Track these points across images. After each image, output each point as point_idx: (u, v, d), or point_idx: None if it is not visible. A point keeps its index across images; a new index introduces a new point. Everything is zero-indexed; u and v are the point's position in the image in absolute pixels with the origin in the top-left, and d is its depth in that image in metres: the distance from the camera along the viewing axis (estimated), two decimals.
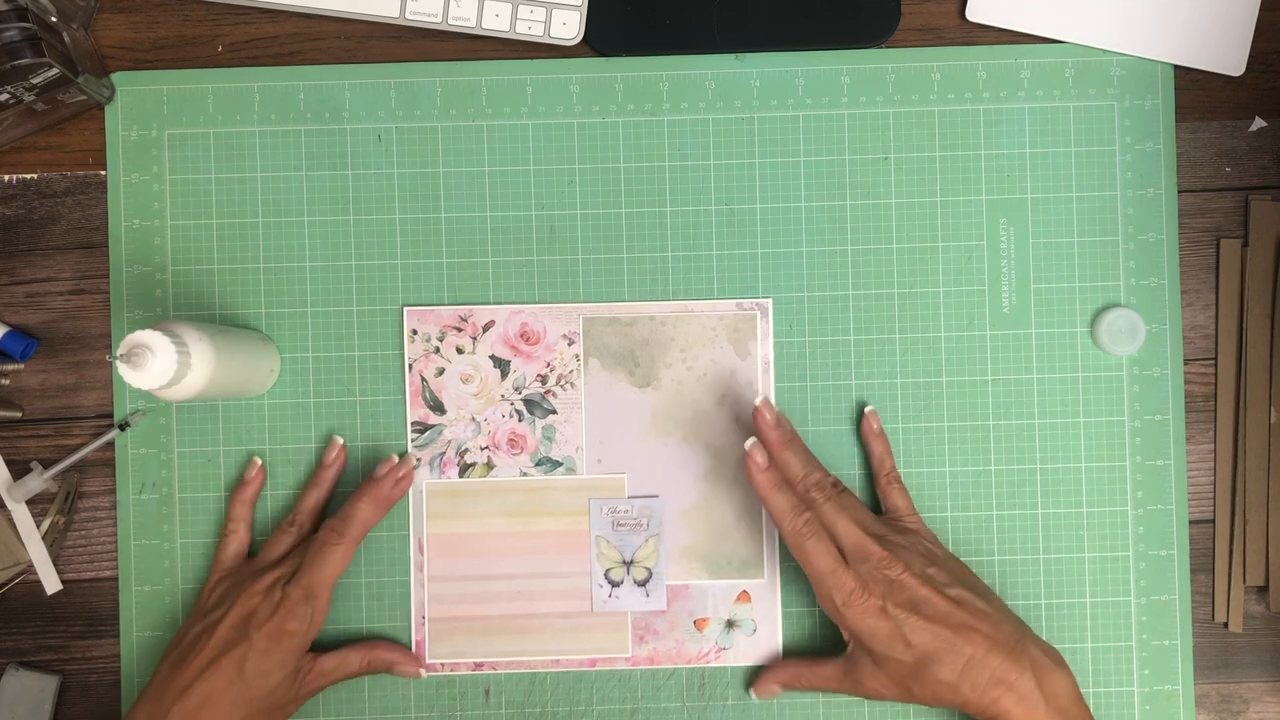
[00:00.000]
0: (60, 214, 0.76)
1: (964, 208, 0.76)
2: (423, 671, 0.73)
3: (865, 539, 0.67)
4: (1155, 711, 0.74)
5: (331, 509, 0.74)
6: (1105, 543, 0.75)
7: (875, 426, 0.74)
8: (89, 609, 0.75)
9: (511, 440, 0.75)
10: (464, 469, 0.75)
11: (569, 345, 0.75)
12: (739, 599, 0.74)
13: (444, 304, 0.75)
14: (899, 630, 0.65)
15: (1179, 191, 0.76)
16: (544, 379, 0.75)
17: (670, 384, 0.75)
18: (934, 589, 0.66)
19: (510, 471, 0.75)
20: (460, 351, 0.75)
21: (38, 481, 0.73)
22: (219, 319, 0.75)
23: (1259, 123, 0.76)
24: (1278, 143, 0.76)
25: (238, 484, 0.74)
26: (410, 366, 0.75)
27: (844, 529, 0.67)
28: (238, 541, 0.73)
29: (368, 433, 0.75)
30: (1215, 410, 0.76)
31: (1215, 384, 0.76)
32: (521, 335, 0.75)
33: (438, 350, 0.75)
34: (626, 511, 0.74)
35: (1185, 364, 0.76)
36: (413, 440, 0.75)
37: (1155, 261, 0.75)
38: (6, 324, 0.75)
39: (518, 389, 0.75)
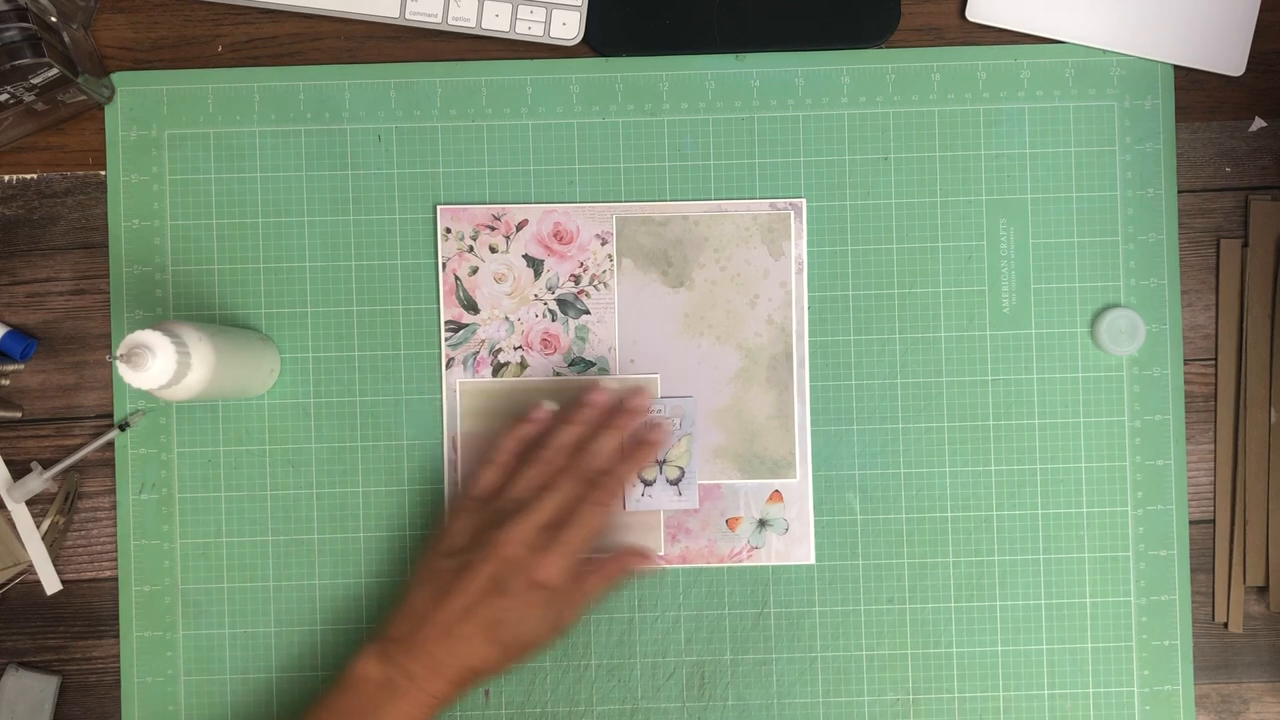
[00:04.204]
0: (60, 214, 0.76)
1: (964, 208, 0.76)
2: (659, 561, 0.75)
3: None
4: (1155, 711, 0.74)
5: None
6: (1105, 543, 0.75)
7: None
8: (89, 609, 0.75)
9: (544, 340, 0.75)
10: (497, 368, 0.75)
11: (602, 245, 0.75)
12: (771, 499, 0.75)
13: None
14: None
15: (1179, 192, 0.76)
16: (577, 279, 0.75)
17: (703, 284, 0.75)
18: None
19: (543, 371, 0.75)
20: (493, 250, 0.75)
21: (38, 481, 0.73)
22: (219, 319, 0.75)
23: (1259, 123, 0.76)
24: (1278, 143, 0.76)
25: (520, 420, 0.72)
26: (444, 265, 0.75)
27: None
28: (498, 472, 0.72)
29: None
30: (1215, 410, 0.76)
31: (1215, 384, 0.76)
32: (555, 235, 0.75)
33: (471, 249, 0.75)
34: (659, 411, 0.75)
35: (1185, 364, 0.76)
36: (446, 339, 0.75)
37: (1155, 261, 0.75)
38: (6, 324, 0.75)
39: (551, 289, 0.75)
